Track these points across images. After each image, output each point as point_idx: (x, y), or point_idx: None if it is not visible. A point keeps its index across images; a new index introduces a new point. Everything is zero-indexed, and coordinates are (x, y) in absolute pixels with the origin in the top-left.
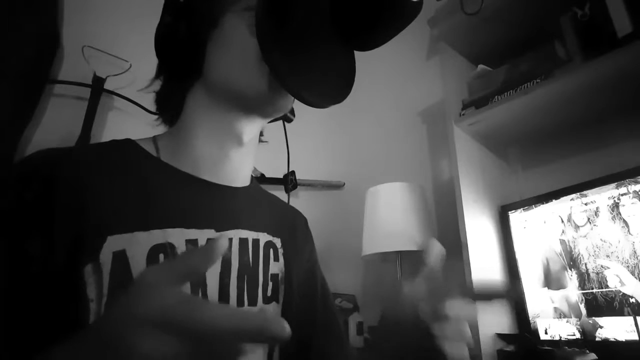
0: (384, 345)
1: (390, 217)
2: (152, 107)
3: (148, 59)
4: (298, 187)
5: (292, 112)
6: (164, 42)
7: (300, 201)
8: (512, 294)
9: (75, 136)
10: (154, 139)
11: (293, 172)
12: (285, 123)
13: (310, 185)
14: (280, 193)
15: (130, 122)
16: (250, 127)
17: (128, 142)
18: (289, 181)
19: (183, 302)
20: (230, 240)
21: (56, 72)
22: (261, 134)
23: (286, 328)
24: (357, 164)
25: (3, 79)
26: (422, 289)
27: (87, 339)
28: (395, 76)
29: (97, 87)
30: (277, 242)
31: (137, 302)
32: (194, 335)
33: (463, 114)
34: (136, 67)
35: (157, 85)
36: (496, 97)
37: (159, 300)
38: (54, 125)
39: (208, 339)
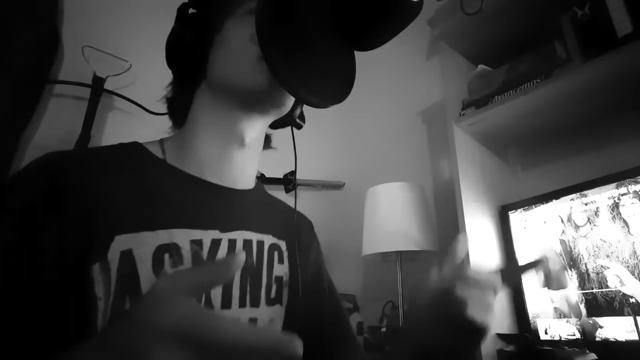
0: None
1: (390, 217)
2: (154, 108)
3: (148, 59)
4: (298, 187)
5: (301, 118)
6: (172, 48)
7: (300, 201)
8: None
9: (75, 136)
10: (161, 141)
11: (293, 172)
12: (294, 129)
13: (310, 185)
14: (280, 193)
15: (130, 122)
16: (252, 128)
17: (135, 145)
18: (290, 181)
19: (202, 314)
20: (234, 241)
21: (56, 72)
22: (270, 141)
23: (300, 348)
24: (357, 164)
25: (3, 79)
26: (449, 275)
27: (100, 348)
28: (395, 76)
29: (97, 87)
30: (282, 244)
31: (152, 312)
32: (211, 348)
33: (463, 114)
34: (136, 67)
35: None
36: (496, 97)
37: (176, 311)
38: (54, 125)
39: (223, 354)
